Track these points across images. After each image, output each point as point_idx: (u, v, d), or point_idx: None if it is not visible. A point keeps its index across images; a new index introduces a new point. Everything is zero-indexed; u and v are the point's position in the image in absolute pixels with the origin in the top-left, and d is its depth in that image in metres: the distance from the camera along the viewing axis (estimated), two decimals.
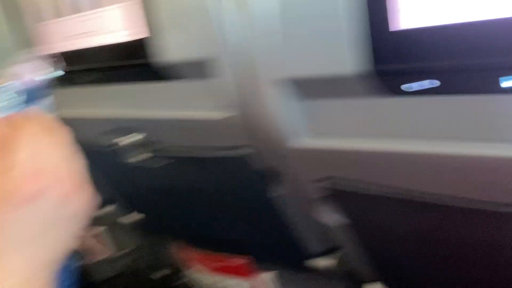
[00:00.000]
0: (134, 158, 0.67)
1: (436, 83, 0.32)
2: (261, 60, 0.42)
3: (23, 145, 0.39)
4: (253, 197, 0.60)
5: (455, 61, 0.30)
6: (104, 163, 0.76)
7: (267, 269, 0.80)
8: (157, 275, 1.09)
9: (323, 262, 0.65)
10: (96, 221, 1.14)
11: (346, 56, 0.35)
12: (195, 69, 0.50)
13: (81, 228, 0.44)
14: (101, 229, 1.16)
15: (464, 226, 0.40)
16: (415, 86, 0.33)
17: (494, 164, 0.33)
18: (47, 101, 0.49)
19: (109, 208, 1.00)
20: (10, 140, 0.39)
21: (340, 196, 0.46)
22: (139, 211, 0.93)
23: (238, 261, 0.80)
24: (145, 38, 0.51)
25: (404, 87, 0.33)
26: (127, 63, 0.55)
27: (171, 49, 0.50)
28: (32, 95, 0.47)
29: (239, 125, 0.50)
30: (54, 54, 0.49)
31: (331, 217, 0.51)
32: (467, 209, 0.37)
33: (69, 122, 0.56)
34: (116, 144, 0.68)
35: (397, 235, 0.47)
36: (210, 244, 0.83)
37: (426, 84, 0.32)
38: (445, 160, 0.36)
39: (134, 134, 0.64)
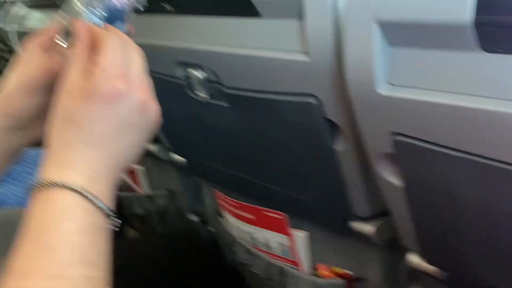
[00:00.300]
0: (196, 95, 0.67)
1: None
2: (352, 3, 0.41)
3: (114, 48, 0.40)
4: (309, 148, 0.60)
5: None
6: (160, 97, 0.76)
7: (302, 228, 0.81)
8: (192, 218, 1.11)
9: (365, 227, 0.65)
10: None
11: (456, 1, 0.34)
12: (279, 7, 0.49)
13: (148, 141, 0.46)
14: (138, 167, 1.18)
15: None
16: None
17: None
18: (126, 25, 0.50)
19: (150, 147, 1.02)
20: (102, 41, 0.40)
21: (407, 154, 0.46)
22: (182, 153, 0.94)
23: (275, 215, 0.80)
24: None
25: None
26: None
27: None
28: (114, 16, 0.48)
29: (311, 70, 0.50)
30: None
31: (391, 176, 0.50)
32: None
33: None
34: (179, 77, 0.69)
35: (461, 206, 0.46)
36: (249, 194, 0.84)
37: None
38: None
39: (201, 69, 0.64)
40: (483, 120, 0.37)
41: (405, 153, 0.45)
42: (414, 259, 0.61)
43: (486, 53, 0.35)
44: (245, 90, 0.60)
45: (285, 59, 0.52)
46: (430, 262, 0.57)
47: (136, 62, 0.43)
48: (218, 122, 0.71)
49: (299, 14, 0.48)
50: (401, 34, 0.39)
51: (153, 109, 0.44)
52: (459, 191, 0.44)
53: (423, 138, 0.42)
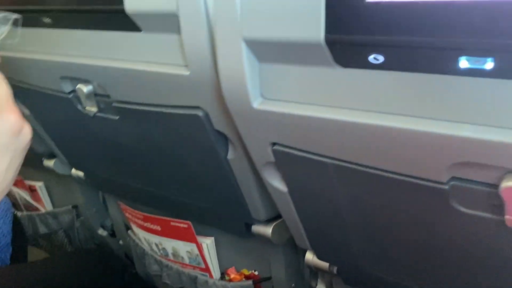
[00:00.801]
0: (84, 109, 0.65)
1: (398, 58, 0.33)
2: (219, 19, 0.42)
3: None
4: (202, 159, 0.60)
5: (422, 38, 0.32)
6: (49, 112, 0.73)
7: (208, 234, 0.82)
8: (100, 233, 1.07)
9: (264, 229, 0.67)
10: (33, 176, 1.10)
11: (309, 22, 0.36)
12: (158, 22, 0.49)
13: (19, 166, 0.44)
14: (38, 184, 1.12)
15: (404, 202, 0.42)
16: (381, 58, 0.34)
17: (436, 141, 0.35)
18: None
19: (48, 163, 0.97)
20: None
21: (285, 162, 0.48)
22: (80, 167, 0.90)
23: (180, 224, 0.80)
24: None
25: (372, 58, 0.34)
26: (92, 8, 0.53)
27: None
28: None
29: (193, 83, 0.50)
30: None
31: (277, 182, 0.53)
32: (408, 183, 0.40)
33: (18, 62, 0.53)
34: (66, 92, 0.66)
35: (337, 206, 0.49)
36: (153, 205, 0.83)
37: (390, 58, 0.34)
38: (391, 134, 0.38)
39: (87, 83, 0.62)
40: (343, 129, 0.40)
41: (283, 162, 0.47)
42: (309, 256, 0.64)
43: (342, 68, 0.38)
44: (133, 103, 0.60)
45: (167, 73, 0.52)
46: (320, 257, 0.61)
47: (2, 85, 0.41)
48: (110, 135, 0.69)
49: (177, 29, 0.48)
50: (267, 51, 0.40)
51: (27, 131, 0.42)
52: (333, 193, 0.47)
53: (297, 147, 0.44)
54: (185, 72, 0.50)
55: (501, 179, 0.35)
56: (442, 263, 0.45)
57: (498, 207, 0.37)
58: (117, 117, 0.64)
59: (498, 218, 0.38)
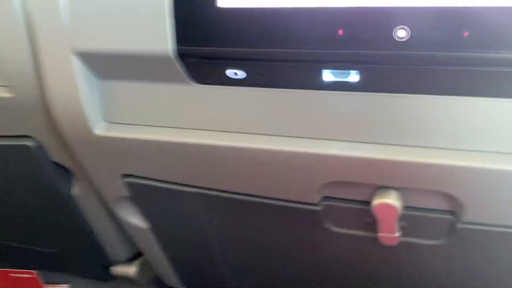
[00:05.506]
0: None
1: (243, 74, 0.29)
2: (42, 28, 0.34)
3: None
4: (42, 196, 0.50)
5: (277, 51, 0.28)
6: None
7: (63, 281, 0.70)
8: None
9: (126, 269, 0.59)
10: None
11: (154, 30, 0.30)
12: None
13: None
14: None
15: (277, 225, 0.39)
16: (241, 73, 0.30)
17: (303, 161, 0.32)
18: None
19: None
20: None
21: (142, 196, 0.41)
22: None
23: (25, 274, 0.67)
24: None
25: (231, 73, 0.30)
26: None
27: None
28: None
29: (18, 108, 0.40)
30: None
31: (134, 219, 0.45)
32: (279, 207, 0.36)
33: None
34: None
35: (208, 237, 0.44)
36: None
37: (240, 74, 0.30)
38: (256, 156, 0.34)
39: None
40: (204, 153, 0.35)
41: (139, 195, 0.40)
42: None
43: (198, 84, 0.33)
44: None
45: None
46: None
47: None
48: None
49: None
50: (106, 65, 0.33)
51: None
52: (202, 223, 0.41)
53: (154, 177, 0.38)
54: (7, 94, 0.40)
55: (372, 195, 0.34)
56: (320, 281, 0.43)
57: (371, 224, 0.36)
58: None
59: (371, 235, 0.37)
